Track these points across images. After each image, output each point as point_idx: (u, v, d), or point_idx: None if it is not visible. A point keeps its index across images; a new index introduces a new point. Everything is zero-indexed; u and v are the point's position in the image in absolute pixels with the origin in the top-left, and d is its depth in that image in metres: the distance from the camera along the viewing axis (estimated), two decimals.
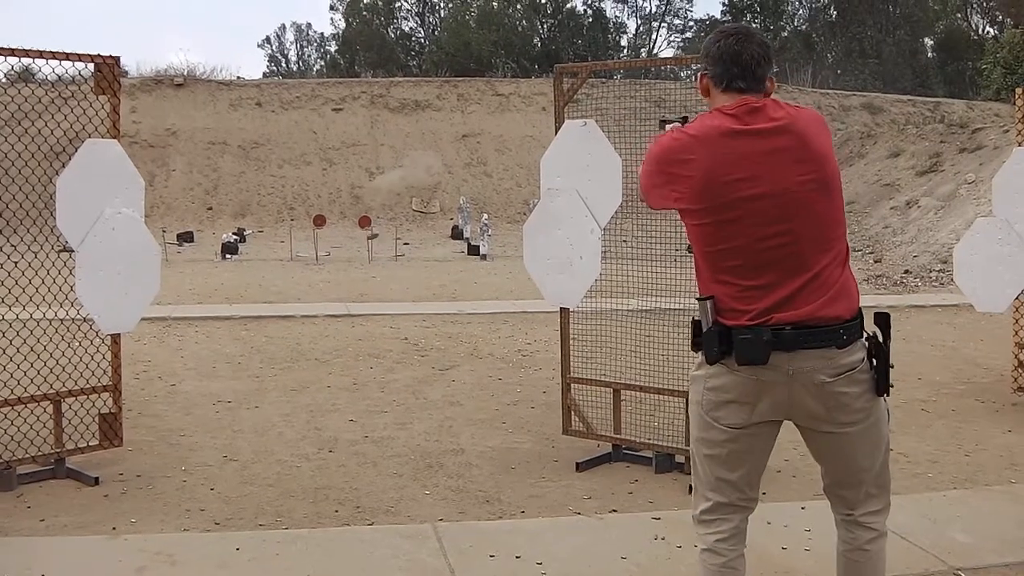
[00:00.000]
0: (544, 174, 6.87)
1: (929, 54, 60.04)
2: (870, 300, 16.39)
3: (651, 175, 3.52)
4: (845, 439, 3.49)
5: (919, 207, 22.13)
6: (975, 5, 65.70)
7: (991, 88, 37.32)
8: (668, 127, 3.73)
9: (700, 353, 3.51)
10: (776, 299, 3.33)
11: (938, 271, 18.95)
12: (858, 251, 21.94)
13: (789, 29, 58.39)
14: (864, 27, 53.75)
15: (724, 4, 58.15)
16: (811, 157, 3.35)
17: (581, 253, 6.70)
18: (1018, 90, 8.97)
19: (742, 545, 3.58)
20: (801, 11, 60.45)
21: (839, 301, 3.37)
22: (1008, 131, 21.89)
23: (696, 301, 3.52)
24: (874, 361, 3.44)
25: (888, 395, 3.48)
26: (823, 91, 42.98)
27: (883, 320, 3.48)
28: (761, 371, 3.36)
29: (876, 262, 20.76)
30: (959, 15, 63.95)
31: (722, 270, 3.41)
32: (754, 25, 56.76)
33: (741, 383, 3.41)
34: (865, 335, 3.44)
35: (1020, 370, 8.99)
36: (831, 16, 57.44)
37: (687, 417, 6.73)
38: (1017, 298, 8.61)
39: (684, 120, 3.76)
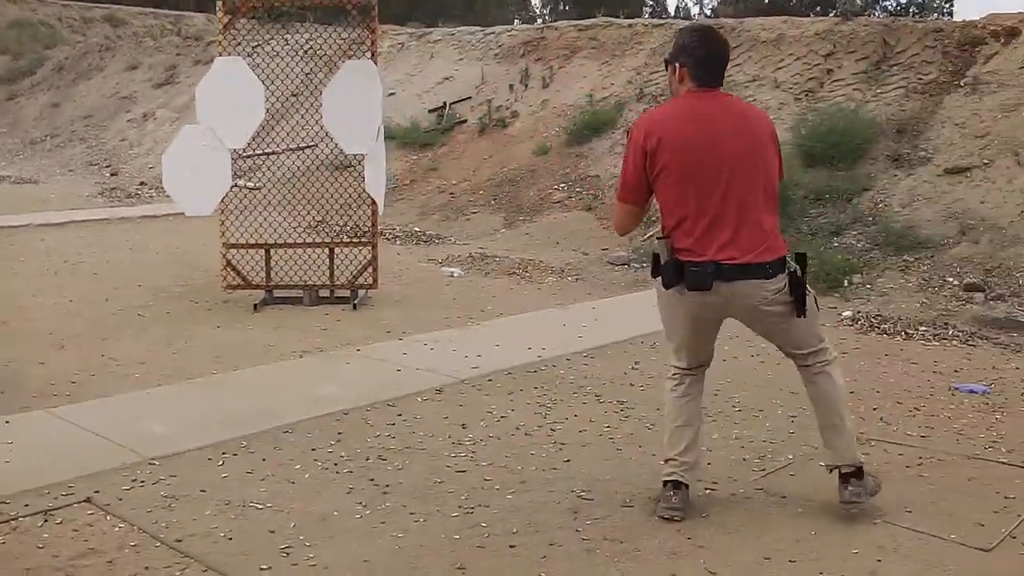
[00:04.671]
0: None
1: None
2: (104, 213, 15.57)
3: (631, 158, 4.47)
4: (777, 329, 4.58)
5: (155, 119, 22.27)
6: None
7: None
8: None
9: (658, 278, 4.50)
10: (721, 242, 4.34)
11: None
12: (95, 165, 21.63)
13: None
14: None
15: None
16: (751, 136, 4.44)
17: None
18: (218, 3, 8.99)
19: (695, 389, 4.72)
20: None
21: (770, 251, 4.40)
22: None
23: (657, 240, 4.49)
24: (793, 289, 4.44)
25: (804, 316, 4.47)
26: (64, 3, 39.77)
27: (802, 258, 4.50)
28: (704, 295, 4.39)
29: (113, 175, 20.52)
30: None
31: (678, 216, 4.40)
32: None
33: (689, 301, 4.45)
34: (787, 268, 4.45)
35: (228, 269, 9.37)
36: None
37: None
38: (222, 200, 9.18)
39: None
